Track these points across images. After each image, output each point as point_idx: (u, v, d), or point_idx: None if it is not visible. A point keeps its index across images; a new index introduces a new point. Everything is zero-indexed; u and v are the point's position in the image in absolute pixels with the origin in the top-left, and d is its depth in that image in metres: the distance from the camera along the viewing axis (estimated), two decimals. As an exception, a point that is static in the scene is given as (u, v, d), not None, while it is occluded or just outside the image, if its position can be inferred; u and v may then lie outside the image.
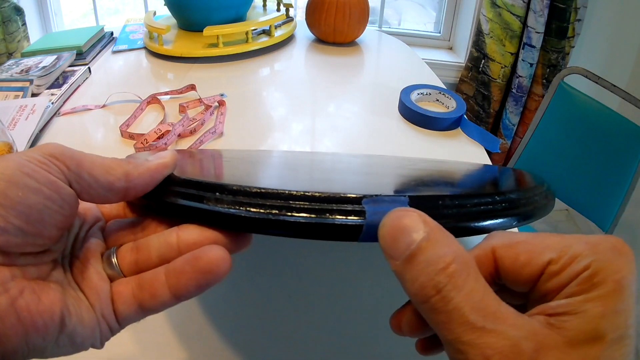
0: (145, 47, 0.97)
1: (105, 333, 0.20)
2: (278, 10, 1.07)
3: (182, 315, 0.37)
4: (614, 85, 0.91)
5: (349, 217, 0.19)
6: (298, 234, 0.19)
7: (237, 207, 0.19)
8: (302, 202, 0.19)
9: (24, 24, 1.26)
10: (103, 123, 0.71)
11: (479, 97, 1.45)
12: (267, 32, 0.98)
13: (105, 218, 0.24)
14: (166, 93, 0.78)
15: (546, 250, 0.18)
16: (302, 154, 0.47)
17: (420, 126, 0.70)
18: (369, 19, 1.03)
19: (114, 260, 0.21)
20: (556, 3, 1.22)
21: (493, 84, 1.38)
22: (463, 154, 0.66)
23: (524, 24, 1.27)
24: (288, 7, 1.07)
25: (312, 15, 1.01)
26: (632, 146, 0.89)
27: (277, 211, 0.19)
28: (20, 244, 0.18)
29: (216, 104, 0.74)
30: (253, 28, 0.95)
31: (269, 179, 0.26)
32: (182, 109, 0.72)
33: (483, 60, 1.38)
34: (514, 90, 1.37)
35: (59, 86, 0.77)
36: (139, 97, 0.75)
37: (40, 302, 0.18)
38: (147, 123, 0.70)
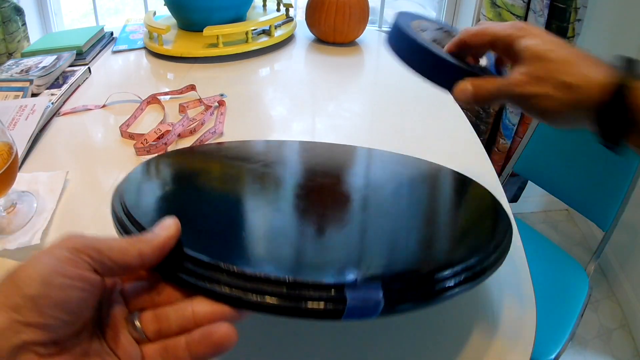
0: (145, 47, 0.97)
1: None
2: (278, 10, 1.07)
3: None
4: (614, 85, 0.91)
5: (331, 304, 0.24)
6: (290, 316, 0.24)
7: (234, 290, 0.24)
8: (292, 290, 0.24)
9: (24, 24, 1.26)
10: (103, 123, 0.71)
11: (479, 97, 1.45)
12: (267, 32, 0.98)
13: (123, 280, 0.27)
14: (166, 93, 0.78)
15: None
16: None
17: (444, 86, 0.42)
18: (369, 18, 1.03)
19: (138, 324, 0.25)
20: (556, 3, 1.22)
21: (493, 84, 1.38)
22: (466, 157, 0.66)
23: (524, 24, 1.27)
24: (288, 7, 1.07)
25: (312, 15, 1.01)
26: (632, 146, 0.89)
27: (272, 298, 0.24)
28: (67, 332, 0.21)
29: (216, 104, 0.74)
30: (253, 28, 0.94)
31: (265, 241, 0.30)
32: (182, 109, 0.72)
33: (483, 60, 1.38)
34: (514, 90, 1.37)
35: (59, 86, 0.77)
36: (139, 97, 0.75)
37: None
38: (147, 123, 0.70)
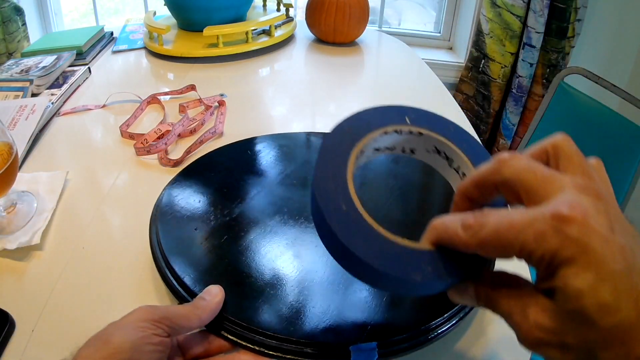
0: (145, 47, 0.97)
1: None
2: (278, 10, 1.07)
3: None
4: (614, 85, 0.91)
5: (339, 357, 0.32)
6: None
7: (266, 348, 0.33)
8: (311, 348, 0.33)
9: (24, 24, 1.26)
10: (103, 123, 0.71)
11: (479, 97, 1.45)
12: (267, 32, 0.98)
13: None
14: (166, 93, 0.78)
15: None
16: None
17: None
18: (369, 19, 1.03)
19: None
20: (556, 3, 1.22)
21: (493, 84, 1.38)
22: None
23: (524, 24, 1.27)
24: (288, 7, 1.07)
25: (312, 15, 1.01)
26: (632, 146, 0.89)
27: (293, 355, 0.32)
28: None
29: (216, 104, 0.74)
30: (253, 28, 0.95)
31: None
32: (182, 109, 0.72)
33: (483, 60, 1.38)
34: (514, 90, 1.37)
35: (59, 86, 0.77)
36: (139, 97, 0.75)
37: None
38: (147, 123, 0.70)
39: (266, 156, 0.56)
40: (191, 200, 0.47)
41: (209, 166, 0.53)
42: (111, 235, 0.49)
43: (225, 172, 0.52)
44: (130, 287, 0.42)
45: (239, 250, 0.41)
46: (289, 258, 0.41)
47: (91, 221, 0.51)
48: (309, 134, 0.61)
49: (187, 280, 0.38)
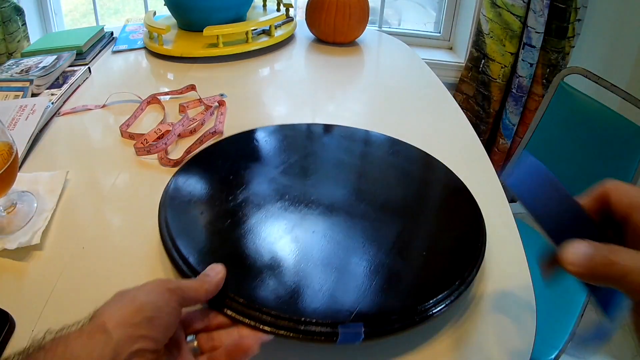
0: (145, 47, 0.97)
1: None
2: (278, 10, 1.07)
3: None
4: (614, 85, 0.91)
5: (328, 334, 0.35)
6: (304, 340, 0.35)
7: (267, 327, 0.35)
8: (306, 326, 0.35)
9: (24, 24, 1.26)
10: (103, 123, 0.71)
11: (479, 97, 1.44)
12: (267, 32, 0.98)
13: None
14: (166, 93, 0.78)
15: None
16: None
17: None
18: (369, 19, 1.03)
19: (196, 344, 0.34)
20: (556, 3, 1.22)
21: (493, 84, 1.38)
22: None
23: (524, 24, 1.27)
24: (288, 7, 1.07)
25: (312, 15, 1.01)
26: (632, 146, 0.88)
27: (286, 331, 0.35)
28: (162, 345, 0.30)
29: (216, 104, 0.74)
30: (253, 28, 0.95)
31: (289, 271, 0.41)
32: (182, 109, 0.72)
33: (483, 60, 1.38)
34: (514, 90, 1.37)
35: (59, 86, 0.77)
36: (139, 97, 0.75)
37: None
38: (147, 123, 0.70)
39: (270, 145, 0.60)
40: (198, 186, 0.51)
41: (215, 156, 0.57)
42: (111, 235, 0.49)
43: (231, 161, 0.56)
44: (130, 286, 0.42)
45: (241, 234, 0.44)
46: (287, 242, 0.43)
47: (91, 221, 0.51)
48: (310, 125, 0.66)
49: (192, 260, 0.40)
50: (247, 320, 0.35)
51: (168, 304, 0.30)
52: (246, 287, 0.38)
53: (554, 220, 0.30)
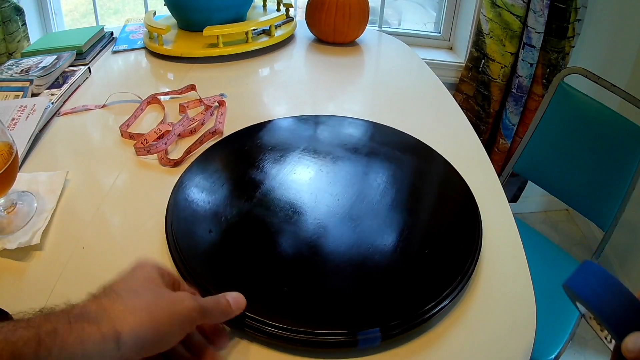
0: (145, 47, 0.97)
1: None
2: (278, 10, 1.07)
3: None
4: (614, 85, 0.91)
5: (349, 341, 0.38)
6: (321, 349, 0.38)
7: (297, 335, 0.38)
8: (324, 337, 0.38)
9: (24, 24, 1.26)
10: (103, 123, 0.71)
11: (479, 97, 1.44)
12: (267, 32, 0.98)
13: None
14: (166, 93, 0.78)
15: None
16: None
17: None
18: (369, 18, 1.03)
19: None
20: (556, 3, 1.22)
21: (493, 84, 1.38)
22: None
23: (524, 24, 1.27)
24: (288, 7, 1.07)
25: (312, 15, 1.01)
26: (632, 146, 0.88)
27: (306, 336, 0.38)
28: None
29: (216, 104, 0.74)
30: (253, 28, 0.94)
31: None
32: (182, 109, 0.72)
33: (483, 60, 1.38)
34: (514, 90, 1.37)
35: (59, 86, 0.77)
36: (139, 97, 0.75)
37: None
38: (147, 123, 0.70)
39: (270, 144, 0.63)
40: (207, 187, 0.54)
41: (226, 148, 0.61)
42: (111, 235, 0.49)
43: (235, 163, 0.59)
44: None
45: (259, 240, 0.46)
46: (300, 248, 0.45)
47: (91, 221, 0.51)
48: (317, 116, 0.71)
49: (193, 263, 0.42)
50: (266, 330, 0.38)
51: (183, 329, 0.31)
52: (264, 299, 0.40)
53: (618, 319, 0.33)
